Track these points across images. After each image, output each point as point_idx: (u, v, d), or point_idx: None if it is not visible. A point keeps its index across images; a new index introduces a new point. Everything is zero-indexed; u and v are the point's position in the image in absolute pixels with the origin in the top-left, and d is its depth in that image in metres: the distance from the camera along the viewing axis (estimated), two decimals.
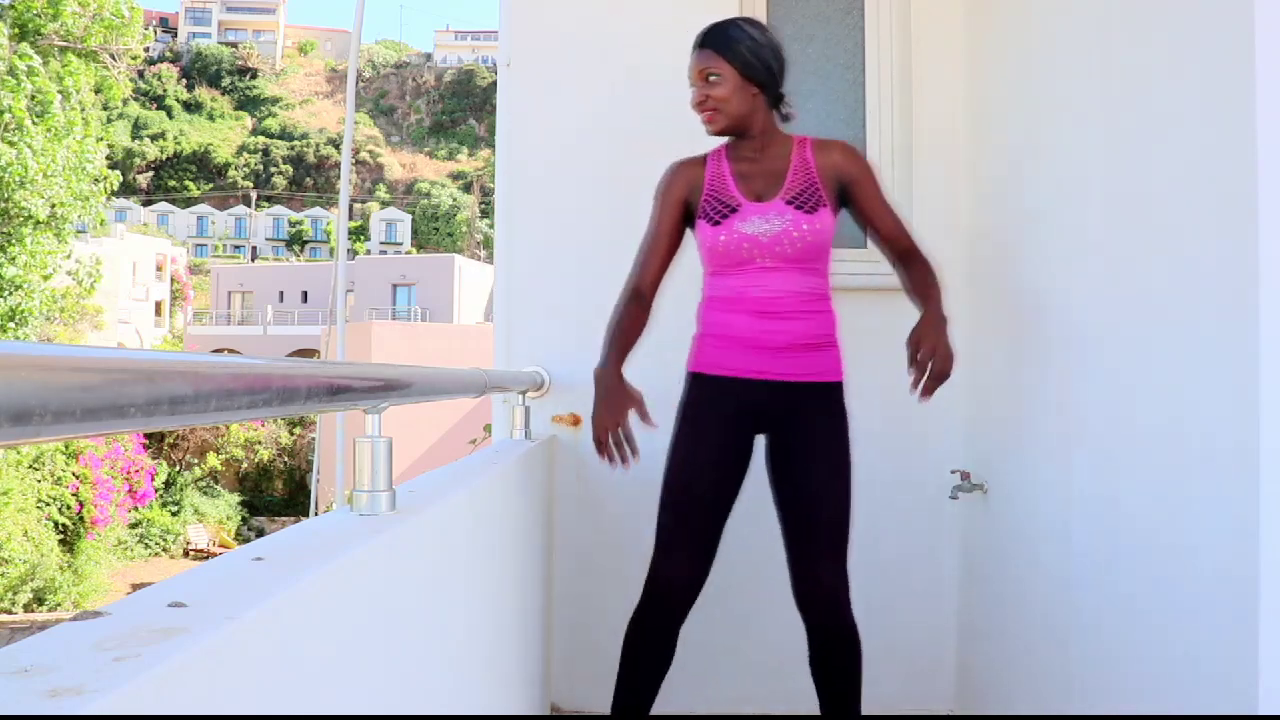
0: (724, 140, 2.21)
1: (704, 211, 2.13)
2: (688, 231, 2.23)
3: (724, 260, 2.11)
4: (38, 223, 13.52)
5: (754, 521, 2.92)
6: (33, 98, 13.15)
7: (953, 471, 2.75)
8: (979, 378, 2.77)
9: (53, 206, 13.60)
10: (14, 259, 13.41)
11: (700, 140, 2.37)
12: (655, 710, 2.24)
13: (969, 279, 2.85)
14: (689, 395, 2.16)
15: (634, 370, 2.11)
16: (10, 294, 13.50)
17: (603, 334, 2.14)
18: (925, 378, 1.97)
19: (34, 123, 13.06)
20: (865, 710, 2.17)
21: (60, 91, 13.76)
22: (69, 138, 13.60)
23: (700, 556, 2.11)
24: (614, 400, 2.01)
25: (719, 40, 2.11)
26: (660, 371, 2.23)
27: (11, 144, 12.74)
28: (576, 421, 2.83)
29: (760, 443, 2.18)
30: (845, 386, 2.14)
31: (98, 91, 15.85)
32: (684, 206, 2.18)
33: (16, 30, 13.77)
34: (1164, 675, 1.73)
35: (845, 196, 2.16)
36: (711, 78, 2.09)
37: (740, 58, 2.09)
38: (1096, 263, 2.05)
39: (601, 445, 2.01)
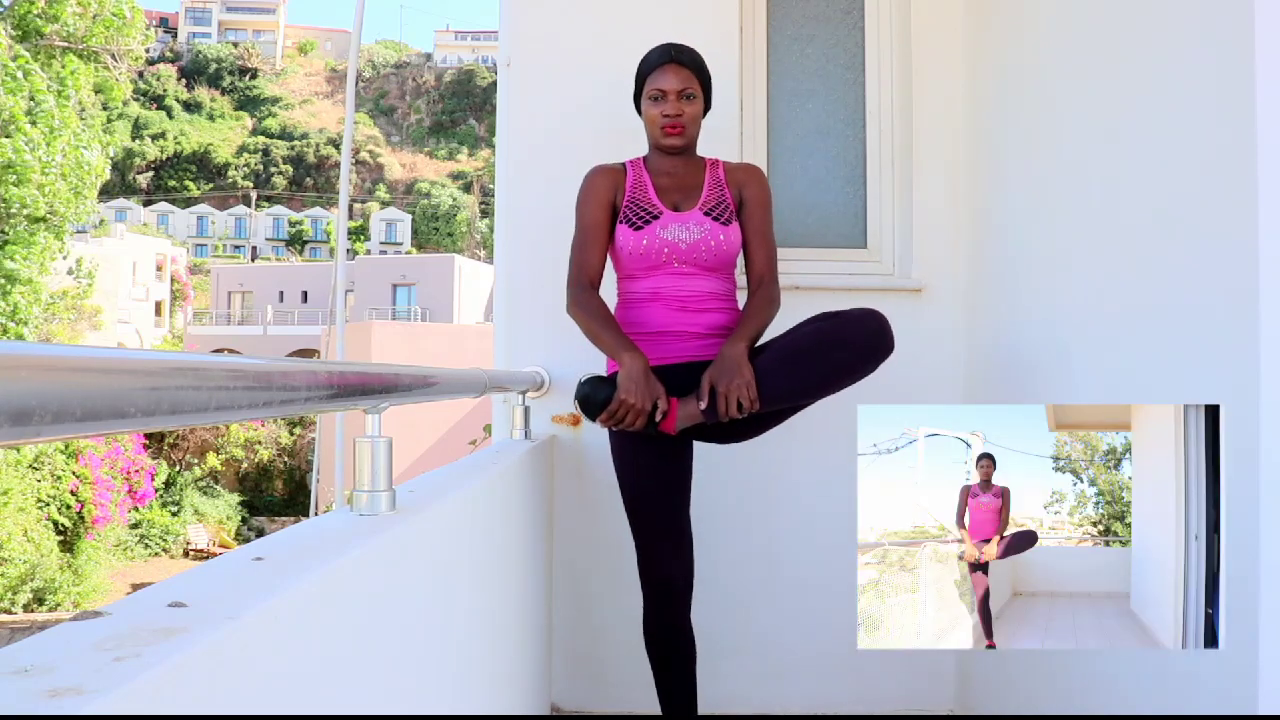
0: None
1: (625, 216, 2.23)
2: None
3: (642, 263, 2.21)
4: (36, 220, 13.51)
5: (745, 522, 2.92)
6: (31, 98, 13.15)
7: None
8: (978, 378, 2.78)
9: (50, 204, 13.59)
10: (13, 256, 13.40)
11: (702, 140, 2.37)
12: (649, 711, 2.25)
13: (969, 280, 2.86)
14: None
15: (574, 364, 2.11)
16: (9, 292, 13.49)
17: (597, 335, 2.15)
18: (726, 408, 1.98)
19: (32, 123, 13.05)
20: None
21: (59, 92, 13.75)
22: (64, 137, 13.58)
23: (680, 543, 2.17)
24: (646, 387, 2.00)
25: (695, 61, 2.21)
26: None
27: (9, 138, 12.73)
28: (576, 421, 2.83)
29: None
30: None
31: (98, 92, 15.83)
32: (611, 206, 2.27)
33: (19, 32, 13.75)
34: (1164, 675, 1.73)
35: (738, 211, 2.27)
36: (690, 96, 2.19)
37: (709, 82, 2.25)
38: (1097, 263, 2.05)
39: (627, 412, 2.00)
